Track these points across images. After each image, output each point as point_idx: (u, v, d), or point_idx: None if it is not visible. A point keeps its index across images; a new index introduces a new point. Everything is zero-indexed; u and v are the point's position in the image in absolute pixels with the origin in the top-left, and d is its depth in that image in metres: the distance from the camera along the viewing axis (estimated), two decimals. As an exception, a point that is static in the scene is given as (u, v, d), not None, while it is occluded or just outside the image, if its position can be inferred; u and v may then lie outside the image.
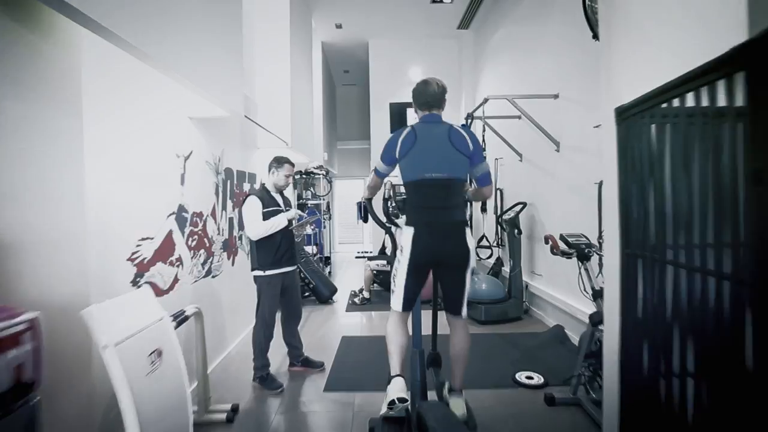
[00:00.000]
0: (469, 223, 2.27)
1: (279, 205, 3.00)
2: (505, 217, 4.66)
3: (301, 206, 6.52)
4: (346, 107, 10.30)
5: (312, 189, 6.67)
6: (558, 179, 3.97)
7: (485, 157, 2.12)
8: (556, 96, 3.93)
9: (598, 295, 2.36)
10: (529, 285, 4.61)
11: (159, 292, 2.45)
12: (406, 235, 2.03)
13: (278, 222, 2.85)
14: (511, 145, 4.90)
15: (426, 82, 2.11)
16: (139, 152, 2.30)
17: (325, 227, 6.77)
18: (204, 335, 2.50)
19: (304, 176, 6.31)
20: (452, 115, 6.92)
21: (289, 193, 5.85)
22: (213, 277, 3.29)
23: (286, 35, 4.53)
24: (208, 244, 3.20)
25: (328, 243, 7.20)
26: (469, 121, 4.53)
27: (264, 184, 3.04)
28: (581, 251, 2.53)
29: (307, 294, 5.41)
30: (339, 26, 6.68)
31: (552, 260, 4.17)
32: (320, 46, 7.24)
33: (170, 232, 2.61)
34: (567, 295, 3.85)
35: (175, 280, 2.67)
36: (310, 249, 5.98)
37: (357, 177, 10.28)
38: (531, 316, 4.54)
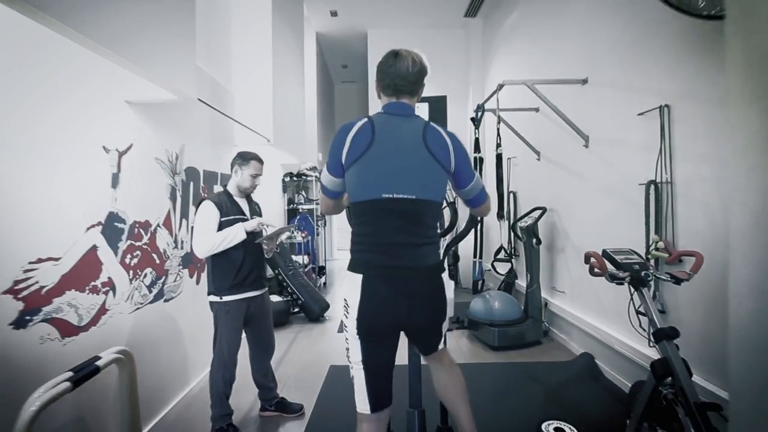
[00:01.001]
0: (446, 265, 1.54)
1: (242, 213, 2.37)
2: (521, 224, 4.00)
3: (293, 212, 5.90)
4: (346, 107, 9.69)
5: (304, 193, 6.05)
6: (587, 180, 3.32)
7: (475, 173, 1.52)
8: (584, 81, 3.28)
9: (664, 336, 1.71)
10: (549, 303, 3.95)
11: (70, 330, 1.83)
12: (351, 286, 1.38)
13: (232, 235, 2.21)
14: (528, 141, 4.25)
15: (397, 55, 1.46)
16: (44, 143, 1.68)
17: (318, 234, 6.14)
18: (134, 387, 1.86)
19: (295, 179, 5.70)
20: (459, 112, 6.29)
21: (274, 197, 5.24)
22: (166, 300, 2.66)
23: (267, 18, 3.91)
24: (158, 261, 2.58)
25: (322, 251, 6.56)
26: (480, 113, 3.89)
27: (226, 186, 2.42)
28: (636, 274, 1.88)
29: (296, 310, 4.78)
30: (334, 14, 6.08)
31: (577, 275, 3.51)
32: (314, 37, 6.64)
33: (92, 250, 1.98)
34: (597, 318, 3.18)
35: (102, 310, 2.04)
36: (300, 259, 5.35)
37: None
38: (551, 339, 3.87)
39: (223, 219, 2.26)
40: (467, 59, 6.50)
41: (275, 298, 4.50)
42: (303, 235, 5.41)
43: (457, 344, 3.83)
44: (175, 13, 2.10)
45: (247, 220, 2.36)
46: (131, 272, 2.29)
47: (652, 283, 2.02)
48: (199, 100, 2.52)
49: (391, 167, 1.36)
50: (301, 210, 5.87)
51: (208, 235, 2.19)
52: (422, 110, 6.34)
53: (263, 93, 3.85)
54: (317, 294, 4.81)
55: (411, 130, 1.41)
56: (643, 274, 1.88)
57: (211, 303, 2.30)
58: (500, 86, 3.40)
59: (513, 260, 4.75)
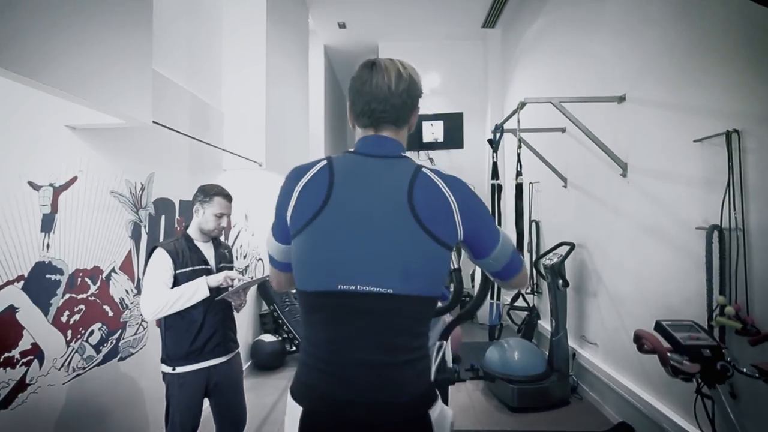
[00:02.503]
0: (435, 398, 0.98)
1: (205, 263, 1.96)
2: (545, 261, 3.51)
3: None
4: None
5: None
6: (624, 216, 2.82)
7: (500, 233, 1.01)
8: (621, 98, 2.81)
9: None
10: (578, 354, 3.42)
11: (-38, 423, 1.44)
12: (288, 420, 0.94)
13: (190, 292, 1.80)
14: (553, 166, 3.78)
15: (373, 66, 0.99)
16: None
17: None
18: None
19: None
20: (476, 130, 5.84)
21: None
22: (121, 359, 2.26)
23: (261, 30, 3.57)
24: (112, 313, 2.19)
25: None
26: (498, 135, 3.45)
27: (187, 228, 2.02)
28: (708, 366, 1.39)
29: (292, 350, 4.35)
30: (342, 26, 5.74)
31: (612, 326, 3.00)
32: (322, 50, 6.32)
33: (7, 312, 1.60)
34: (638, 383, 2.66)
35: (19, 388, 1.65)
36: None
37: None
38: (580, 397, 3.34)
39: (179, 271, 1.85)
40: (485, 73, 6.07)
41: (269, 338, 4.09)
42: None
43: (469, 400, 3.33)
44: (122, 22, 1.73)
45: (210, 271, 1.95)
46: (70, 332, 1.90)
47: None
48: (155, 123, 2.14)
49: (353, 242, 0.89)
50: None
51: (159, 292, 1.78)
52: (437, 129, 5.95)
53: (255, 111, 3.49)
54: (316, 332, 4.37)
55: (391, 182, 0.93)
56: (719, 366, 1.39)
57: (163, 374, 1.89)
58: (522, 105, 2.95)
59: (534, 297, 4.24)
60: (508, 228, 4.56)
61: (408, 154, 1.02)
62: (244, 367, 3.83)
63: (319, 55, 6.24)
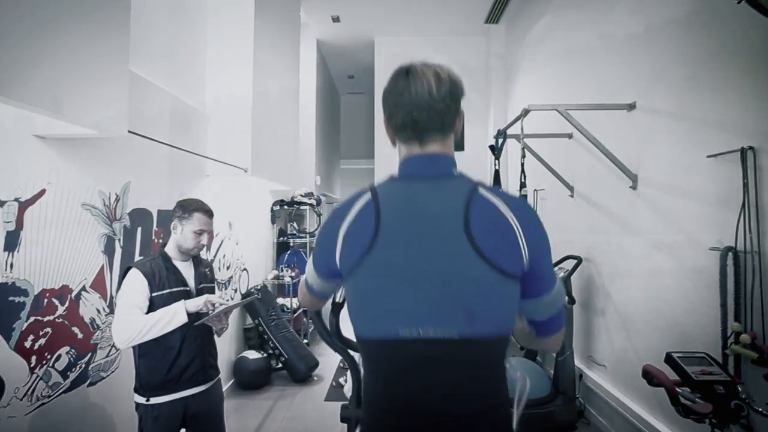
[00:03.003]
0: None
1: (184, 284, 1.94)
2: (551, 276, 3.50)
3: (283, 245, 5.48)
4: (352, 120, 9.33)
5: (296, 224, 5.64)
6: (634, 230, 2.82)
7: (556, 276, 0.97)
8: (631, 106, 2.81)
9: None
10: (585, 375, 3.42)
11: None
12: None
13: (167, 317, 1.77)
14: (558, 174, 3.77)
15: (409, 73, 0.95)
16: None
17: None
18: None
19: (287, 207, 5.29)
20: (476, 136, 5.83)
21: (261, 229, 4.84)
22: (91, 384, 2.23)
23: (249, 27, 3.55)
24: (81, 335, 2.16)
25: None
26: (501, 140, 3.44)
27: (164, 246, 2.00)
28: (721, 405, 1.38)
29: (278, 366, 4.32)
30: (336, 19, 5.73)
31: (620, 347, 3.00)
32: (315, 45, 6.30)
33: (-35, 341, 1.57)
34: (650, 410, 2.66)
35: (-23, 421, 1.62)
36: (288, 302, 4.91)
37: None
38: (587, 421, 3.33)
39: (155, 294, 1.83)
40: (487, 71, 6.07)
41: (254, 354, 4.06)
42: (293, 274, 4.98)
43: (468, 425, 3.32)
44: (96, 27, 1.71)
45: (189, 293, 1.93)
46: (34, 358, 1.88)
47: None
48: (132, 132, 2.11)
49: (409, 282, 0.88)
50: (292, 244, 5.45)
51: (132, 318, 1.75)
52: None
53: (241, 112, 3.47)
54: (304, 349, 4.35)
55: (444, 209, 0.90)
56: (733, 405, 1.38)
57: (136, 404, 1.86)
58: (525, 112, 2.95)
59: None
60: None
61: None
62: (226, 387, 3.81)
63: (311, 50, 6.22)
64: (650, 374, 1.50)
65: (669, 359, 1.60)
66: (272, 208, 5.20)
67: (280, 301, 4.92)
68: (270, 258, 5.22)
